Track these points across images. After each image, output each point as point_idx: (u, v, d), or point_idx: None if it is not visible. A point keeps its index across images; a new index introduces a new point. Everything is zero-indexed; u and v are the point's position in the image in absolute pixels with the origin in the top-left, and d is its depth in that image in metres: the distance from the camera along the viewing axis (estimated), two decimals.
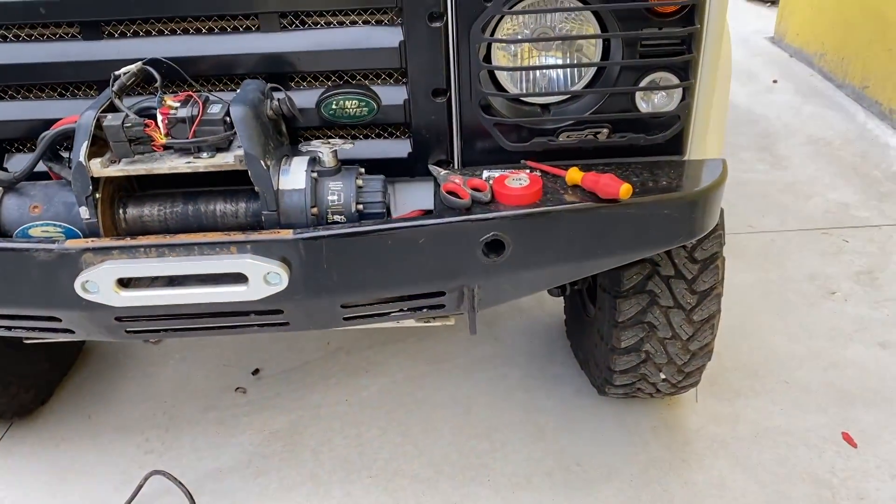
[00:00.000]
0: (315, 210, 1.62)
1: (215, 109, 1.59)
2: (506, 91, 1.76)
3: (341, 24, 1.67)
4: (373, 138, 1.81)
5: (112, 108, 1.60)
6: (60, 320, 1.73)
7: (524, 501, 2.46)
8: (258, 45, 1.67)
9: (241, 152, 1.56)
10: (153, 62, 1.60)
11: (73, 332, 1.78)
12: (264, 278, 1.59)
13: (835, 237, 3.83)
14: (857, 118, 5.16)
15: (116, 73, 1.60)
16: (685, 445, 2.67)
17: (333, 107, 1.70)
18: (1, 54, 1.68)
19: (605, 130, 1.76)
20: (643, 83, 1.71)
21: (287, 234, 1.58)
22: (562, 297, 3.00)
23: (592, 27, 1.70)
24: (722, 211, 1.88)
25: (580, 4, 1.66)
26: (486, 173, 1.74)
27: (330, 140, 1.70)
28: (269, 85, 1.64)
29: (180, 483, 2.45)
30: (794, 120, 5.27)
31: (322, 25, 1.68)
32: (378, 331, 3.27)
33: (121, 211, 1.67)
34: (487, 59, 1.69)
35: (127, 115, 1.54)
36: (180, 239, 1.58)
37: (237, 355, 3.22)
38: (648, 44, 1.67)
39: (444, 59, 1.67)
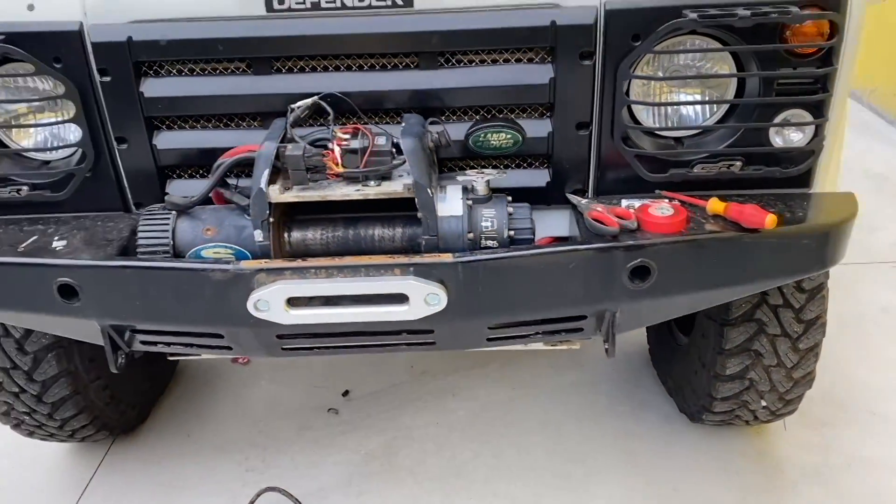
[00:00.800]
0: (471, 235, 1.71)
1: (381, 141, 1.69)
2: (640, 124, 1.85)
3: (494, 62, 1.78)
4: (512, 168, 1.91)
5: (284, 139, 1.70)
6: (223, 337, 1.82)
7: None
8: (416, 82, 1.78)
9: (408, 181, 1.66)
10: (325, 97, 1.70)
11: (230, 348, 1.87)
12: (425, 299, 1.67)
13: None
14: None
15: (292, 105, 1.71)
16: (778, 473, 2.71)
17: (482, 139, 1.80)
18: (176, 87, 1.80)
19: (739, 163, 1.84)
20: (777, 119, 1.79)
21: (447, 257, 1.67)
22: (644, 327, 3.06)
23: (728, 65, 1.80)
24: None
25: (719, 45, 1.75)
26: (624, 202, 1.83)
27: (484, 170, 1.80)
28: (430, 119, 1.75)
29: (296, 500, 2.52)
30: (849, 154, 5.33)
31: (476, 63, 1.78)
32: (462, 355, 3.35)
33: (286, 234, 1.77)
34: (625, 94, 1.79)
35: (306, 146, 1.64)
36: (348, 261, 1.68)
37: (325, 377, 3.30)
38: (784, 82, 1.76)
39: (591, 95, 1.76)
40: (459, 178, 1.78)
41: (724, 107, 1.85)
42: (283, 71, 1.80)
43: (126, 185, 1.91)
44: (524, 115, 1.85)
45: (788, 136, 1.81)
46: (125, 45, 1.73)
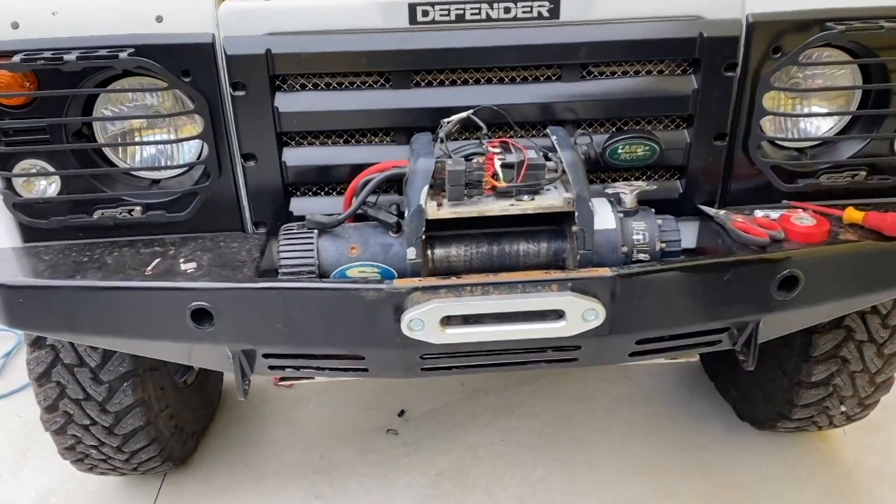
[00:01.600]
0: (624, 249, 1.69)
1: (533, 154, 1.67)
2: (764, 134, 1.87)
3: (637, 73, 1.77)
4: (644, 179, 1.90)
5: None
6: (363, 359, 1.76)
7: None
8: (558, 94, 1.76)
9: (567, 194, 1.63)
10: (478, 110, 1.67)
11: (366, 370, 1.80)
12: (582, 315, 1.64)
13: None
14: None
15: (445, 120, 1.67)
16: (848, 477, 2.76)
17: (620, 150, 1.79)
18: (312, 101, 1.74)
19: (863, 173, 1.87)
20: None
21: (606, 272, 1.65)
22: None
23: (854, 77, 1.83)
24: None
25: (850, 58, 1.79)
26: (758, 213, 1.84)
27: (633, 182, 1.79)
28: (579, 131, 1.73)
29: None
30: None
31: (618, 75, 1.77)
32: (512, 371, 3.32)
33: (429, 251, 1.72)
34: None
35: (467, 162, 1.60)
36: (504, 278, 1.64)
37: (376, 398, 3.23)
38: None
39: (730, 106, 1.77)
40: (611, 190, 1.76)
41: (847, 118, 1.88)
42: (423, 85, 1.75)
43: (246, 204, 1.83)
44: (660, 127, 1.84)
45: None
46: (263, 58, 1.67)
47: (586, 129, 1.77)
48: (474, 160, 1.64)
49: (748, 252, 1.72)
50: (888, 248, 1.73)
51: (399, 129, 1.78)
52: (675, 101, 1.78)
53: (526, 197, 1.66)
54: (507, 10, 1.66)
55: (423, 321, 1.62)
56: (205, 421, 2.97)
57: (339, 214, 1.71)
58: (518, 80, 1.77)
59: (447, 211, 1.64)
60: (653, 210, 1.78)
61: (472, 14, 1.68)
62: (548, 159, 1.68)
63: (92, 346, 2.08)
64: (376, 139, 1.82)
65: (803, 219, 1.76)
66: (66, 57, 1.59)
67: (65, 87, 1.67)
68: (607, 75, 1.78)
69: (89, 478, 2.74)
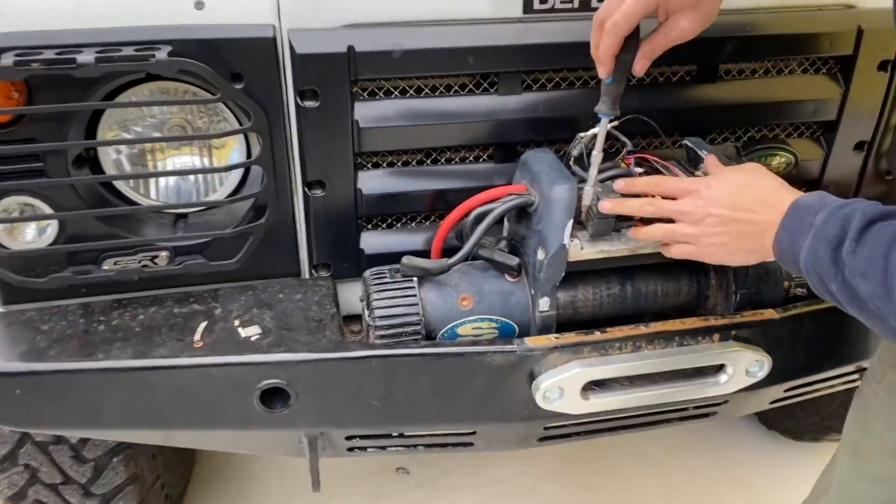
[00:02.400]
0: (786, 284, 1.42)
1: (679, 172, 1.36)
2: None
3: (779, 72, 1.49)
4: None
5: None
6: (474, 433, 1.41)
7: None
8: (688, 98, 1.46)
9: None
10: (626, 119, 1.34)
11: (471, 444, 1.46)
12: (747, 369, 1.37)
13: None
14: None
15: (581, 135, 1.33)
16: None
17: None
18: (401, 112, 1.36)
19: None
20: None
21: (772, 314, 1.38)
22: None
23: None
24: None
25: None
26: None
27: None
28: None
29: None
30: None
31: (760, 75, 1.49)
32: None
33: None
34: None
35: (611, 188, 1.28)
36: (656, 329, 1.34)
37: None
38: None
39: (877, 111, 1.53)
40: None
41: None
42: (534, 88, 1.41)
43: (305, 242, 1.44)
44: (795, 135, 1.58)
45: None
46: (345, 57, 1.27)
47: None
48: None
49: None
50: None
51: (503, 145, 1.43)
52: (819, 105, 1.51)
53: None
54: None
55: (563, 389, 1.30)
56: (186, 478, 2.52)
57: (422, 254, 1.35)
58: (646, 81, 1.45)
59: (591, 251, 1.31)
60: None
61: (598, 3, 1.34)
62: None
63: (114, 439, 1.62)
64: (470, 157, 1.46)
65: None
66: (80, 58, 1.15)
67: (72, 97, 1.21)
68: (747, 75, 1.49)
69: None
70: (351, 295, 1.49)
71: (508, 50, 1.34)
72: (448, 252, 1.38)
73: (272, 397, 1.28)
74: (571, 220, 1.26)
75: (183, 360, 1.24)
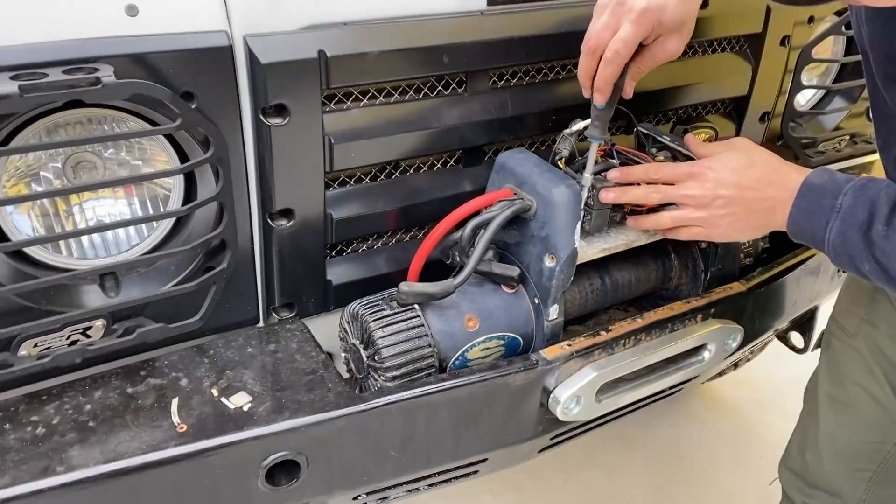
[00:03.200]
0: (749, 260, 1.49)
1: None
2: None
3: (704, 54, 1.54)
4: None
5: None
6: (485, 461, 1.31)
7: None
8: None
9: None
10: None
11: (476, 472, 1.35)
12: (724, 343, 1.42)
13: None
14: None
15: (566, 132, 1.27)
16: None
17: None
18: (370, 123, 1.20)
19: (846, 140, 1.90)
20: None
21: (738, 287, 1.44)
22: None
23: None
24: None
25: None
26: None
27: None
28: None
29: None
30: None
31: (688, 58, 1.53)
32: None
33: None
34: None
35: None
36: (650, 319, 1.33)
37: None
38: None
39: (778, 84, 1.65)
40: None
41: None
42: (499, 87, 1.32)
43: (262, 283, 1.24)
44: (713, 111, 1.65)
45: None
46: (316, 63, 1.09)
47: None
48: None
49: None
50: None
51: (471, 149, 1.33)
52: (735, 82, 1.59)
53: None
54: None
55: (580, 397, 1.25)
56: None
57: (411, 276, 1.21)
58: None
59: (596, 250, 1.26)
60: None
61: None
62: None
63: None
64: (438, 165, 1.34)
65: None
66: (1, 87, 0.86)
67: None
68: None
69: None
70: (315, 333, 1.30)
71: (487, 45, 1.23)
72: (426, 271, 1.26)
73: (277, 472, 1.09)
74: (580, 222, 1.20)
75: (172, 450, 1.00)
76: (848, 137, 1.90)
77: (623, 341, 1.29)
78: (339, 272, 1.28)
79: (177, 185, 1.13)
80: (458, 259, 1.25)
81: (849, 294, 1.45)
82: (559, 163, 1.27)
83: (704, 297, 1.40)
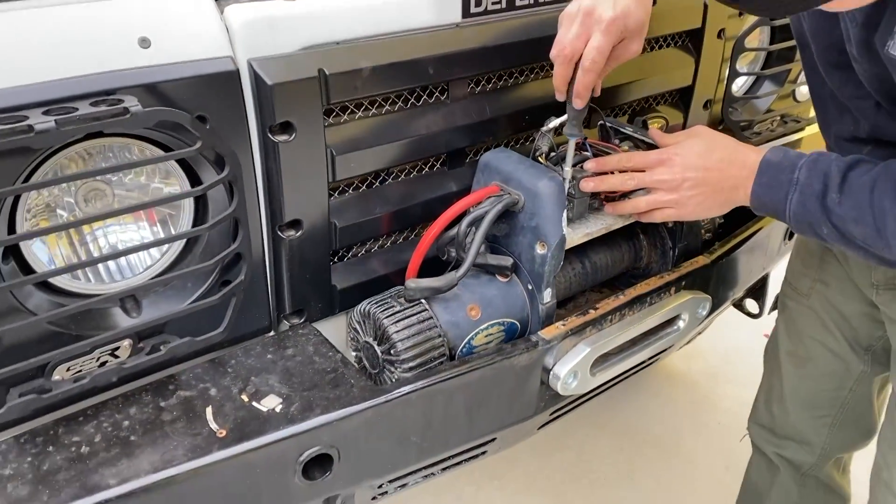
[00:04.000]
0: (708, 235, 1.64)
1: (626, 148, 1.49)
2: None
3: (652, 49, 1.68)
4: None
5: None
6: (494, 440, 1.40)
7: None
8: None
9: None
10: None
11: (485, 452, 1.44)
12: (696, 312, 1.55)
13: None
14: None
15: (544, 130, 1.37)
16: None
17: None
18: (366, 134, 1.28)
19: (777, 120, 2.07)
20: None
21: (704, 260, 1.57)
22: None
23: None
24: None
25: None
26: None
27: None
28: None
29: None
30: None
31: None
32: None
33: None
34: None
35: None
36: (630, 295, 1.46)
37: None
38: None
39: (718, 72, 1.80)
40: None
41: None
42: (476, 92, 1.42)
43: (273, 291, 1.30)
44: (663, 102, 1.78)
45: None
46: (316, 82, 1.17)
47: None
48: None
49: None
50: None
51: (456, 151, 1.42)
52: (681, 74, 1.73)
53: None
54: None
55: (577, 372, 1.36)
56: None
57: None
58: None
59: (580, 235, 1.38)
60: None
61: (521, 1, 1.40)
62: None
63: None
64: (426, 168, 1.43)
65: None
66: (36, 123, 0.91)
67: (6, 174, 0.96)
68: None
69: None
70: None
71: (465, 55, 1.33)
72: (419, 269, 1.35)
73: (311, 467, 1.16)
74: (565, 211, 1.31)
75: (218, 454, 1.06)
76: (779, 118, 2.08)
77: (609, 317, 1.40)
78: (341, 277, 1.36)
79: (187, 203, 1.19)
80: (454, 255, 1.34)
81: (799, 258, 1.60)
82: (539, 158, 1.38)
83: (675, 271, 1.53)
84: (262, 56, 1.14)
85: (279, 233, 1.24)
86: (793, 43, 1.86)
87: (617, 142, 1.51)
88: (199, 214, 1.20)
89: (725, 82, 1.82)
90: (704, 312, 1.56)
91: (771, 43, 1.94)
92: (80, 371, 1.12)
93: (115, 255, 1.09)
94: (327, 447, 1.14)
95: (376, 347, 1.26)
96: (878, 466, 1.47)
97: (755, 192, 1.27)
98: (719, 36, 1.74)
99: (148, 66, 1.05)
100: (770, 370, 1.69)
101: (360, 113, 1.28)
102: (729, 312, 2.30)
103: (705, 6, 1.67)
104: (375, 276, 1.38)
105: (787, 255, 1.88)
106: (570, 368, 1.33)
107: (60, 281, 1.12)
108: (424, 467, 1.36)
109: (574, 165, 1.37)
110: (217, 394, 1.17)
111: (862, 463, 1.73)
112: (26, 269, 1.10)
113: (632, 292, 1.45)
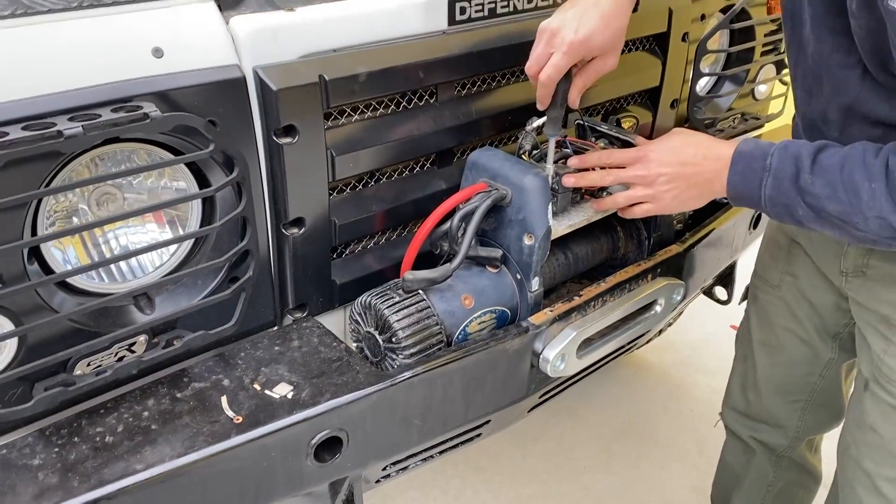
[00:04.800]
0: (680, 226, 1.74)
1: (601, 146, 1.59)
2: None
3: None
4: None
5: None
6: (489, 422, 1.49)
7: None
8: None
9: None
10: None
11: (480, 434, 1.52)
12: (671, 297, 1.66)
13: None
14: None
15: (528, 129, 1.46)
16: None
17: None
18: (363, 135, 1.36)
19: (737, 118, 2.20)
20: None
21: (677, 248, 1.68)
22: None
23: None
24: None
25: None
26: None
27: None
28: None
29: None
30: None
31: None
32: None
33: None
34: None
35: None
36: (611, 283, 1.55)
37: None
38: None
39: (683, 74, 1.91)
40: None
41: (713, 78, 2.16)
42: (462, 95, 1.51)
43: (276, 287, 1.37)
44: (633, 103, 1.89)
45: None
46: (317, 88, 1.25)
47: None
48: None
49: None
50: None
51: (444, 152, 1.51)
52: (650, 76, 1.84)
53: (605, 193, 1.57)
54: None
55: (565, 355, 1.45)
56: None
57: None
58: None
59: (564, 226, 1.47)
60: None
61: (502, 8, 1.49)
62: None
63: None
64: (417, 168, 1.51)
65: None
66: (65, 128, 0.97)
67: (30, 179, 1.02)
68: None
69: None
70: None
71: (451, 59, 1.41)
72: (418, 262, 1.43)
73: (321, 450, 1.23)
74: (550, 204, 1.40)
75: (236, 438, 1.13)
76: (740, 115, 2.20)
77: (593, 303, 1.50)
78: (341, 272, 1.43)
79: (195, 203, 1.25)
80: (446, 248, 1.42)
81: (768, 252, 1.71)
82: (524, 155, 1.47)
83: (651, 259, 1.63)
84: (266, 64, 1.21)
85: (283, 230, 1.31)
86: (752, 44, 1.98)
87: (593, 139, 1.60)
88: (207, 214, 1.26)
89: (690, 83, 1.93)
90: (679, 297, 1.66)
91: (730, 45, 2.06)
92: (100, 365, 1.17)
93: (133, 253, 1.15)
94: (337, 430, 1.21)
95: (378, 337, 1.34)
96: (847, 444, 1.53)
97: (731, 182, 1.35)
98: (683, 39, 1.85)
99: (161, 74, 1.11)
100: (742, 357, 1.80)
101: (356, 116, 1.35)
102: (698, 305, 2.43)
103: (670, 11, 1.78)
104: (372, 271, 1.45)
105: (753, 244, 2.00)
106: (558, 351, 1.42)
107: (77, 281, 1.18)
108: (424, 450, 1.43)
109: (556, 162, 1.47)
110: (230, 384, 1.24)
111: (830, 443, 1.84)
112: (47, 271, 1.15)
113: (613, 279, 1.55)
